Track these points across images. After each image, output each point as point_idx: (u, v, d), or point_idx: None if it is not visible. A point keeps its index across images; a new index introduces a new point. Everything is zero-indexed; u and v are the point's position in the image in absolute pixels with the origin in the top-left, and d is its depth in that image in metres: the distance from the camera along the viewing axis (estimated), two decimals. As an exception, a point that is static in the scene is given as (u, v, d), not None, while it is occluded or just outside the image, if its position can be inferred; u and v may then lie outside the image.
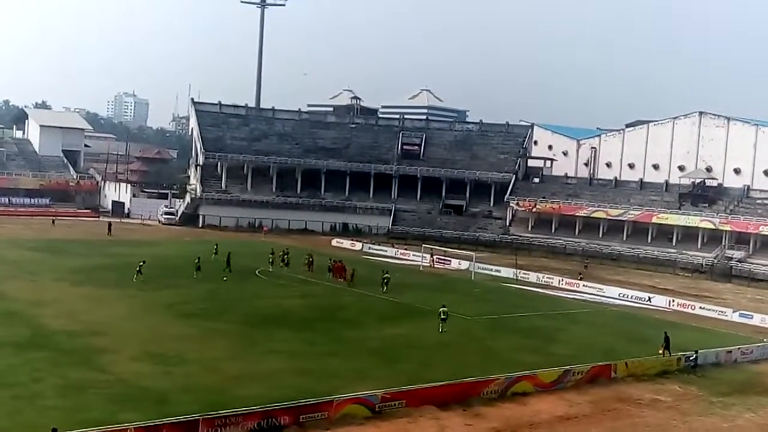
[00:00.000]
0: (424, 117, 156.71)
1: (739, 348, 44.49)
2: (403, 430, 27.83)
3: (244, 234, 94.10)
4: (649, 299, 63.13)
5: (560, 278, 69.93)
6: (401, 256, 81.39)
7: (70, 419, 24.74)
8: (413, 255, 79.40)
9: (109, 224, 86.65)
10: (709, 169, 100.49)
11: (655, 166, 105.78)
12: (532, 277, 70.89)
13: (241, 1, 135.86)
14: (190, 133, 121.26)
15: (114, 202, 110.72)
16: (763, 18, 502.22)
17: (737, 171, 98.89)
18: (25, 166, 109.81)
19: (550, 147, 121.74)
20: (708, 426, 31.38)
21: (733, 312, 58.62)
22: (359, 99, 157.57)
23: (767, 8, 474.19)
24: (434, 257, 77.12)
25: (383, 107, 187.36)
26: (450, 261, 77.10)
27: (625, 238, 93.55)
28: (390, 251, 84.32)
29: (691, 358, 40.00)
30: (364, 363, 36.11)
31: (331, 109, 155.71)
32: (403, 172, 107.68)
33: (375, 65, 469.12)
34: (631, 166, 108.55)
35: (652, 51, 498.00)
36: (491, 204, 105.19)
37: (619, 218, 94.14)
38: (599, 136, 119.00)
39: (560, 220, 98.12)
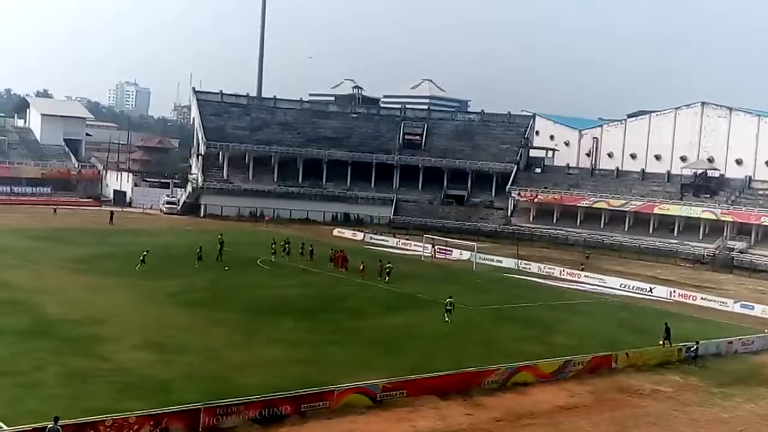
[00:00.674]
0: (426, 107, 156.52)
1: (739, 339, 44.56)
2: (404, 419, 27.89)
3: (246, 223, 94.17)
4: (651, 290, 63.15)
5: (562, 269, 69.95)
6: (403, 246, 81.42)
7: (72, 407, 24.82)
8: (415, 245, 79.43)
9: (111, 213, 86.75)
10: (711, 160, 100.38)
11: (657, 157, 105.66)
12: (534, 267, 70.92)
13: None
14: (191, 123, 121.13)
15: (116, 191, 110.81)
16: (765, 8, 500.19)
17: (739, 162, 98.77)
18: (27, 155, 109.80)
19: (551, 137, 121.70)
20: (708, 416, 31.45)
21: (734, 303, 58.65)
22: (361, 88, 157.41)
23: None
24: (436, 247, 77.15)
25: (385, 97, 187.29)
26: (451, 251, 77.14)
27: (626, 229, 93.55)
28: (391, 241, 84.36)
29: (691, 349, 40.05)
30: (366, 353, 36.18)
31: (332, 98, 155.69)
32: (404, 162, 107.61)
33: (377, 55, 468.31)
34: (633, 156, 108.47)
35: (655, 41, 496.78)
36: (493, 194, 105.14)
37: (621, 209, 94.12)
38: (601, 126, 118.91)
39: (562, 211, 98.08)
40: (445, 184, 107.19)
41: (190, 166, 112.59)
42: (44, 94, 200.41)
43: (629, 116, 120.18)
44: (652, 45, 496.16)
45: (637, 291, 63.10)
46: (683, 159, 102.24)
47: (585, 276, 67.49)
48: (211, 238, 67.34)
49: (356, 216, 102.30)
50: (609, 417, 30.26)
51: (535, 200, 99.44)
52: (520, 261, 72.27)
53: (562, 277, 67.93)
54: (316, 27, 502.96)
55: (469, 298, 51.20)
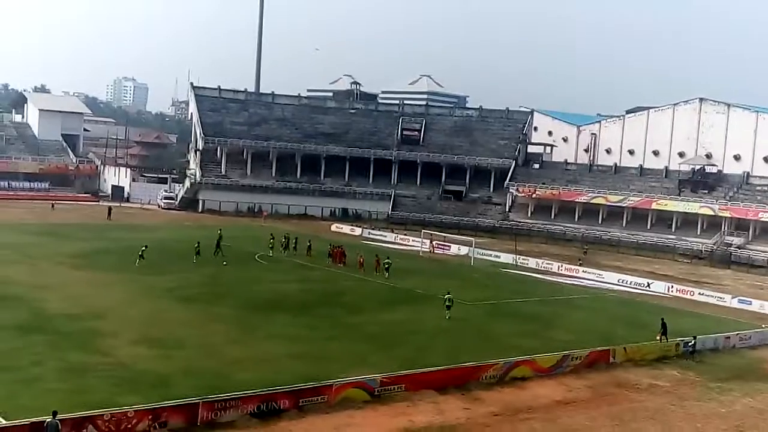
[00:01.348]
0: (424, 102, 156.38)
1: (737, 334, 44.64)
2: (402, 413, 27.93)
3: (244, 219, 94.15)
4: (649, 285, 63.24)
5: (560, 264, 70.04)
6: (401, 242, 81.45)
7: (71, 402, 24.84)
8: (413, 240, 79.48)
9: (109, 208, 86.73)
10: (709, 156, 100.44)
11: (655, 153, 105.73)
12: (532, 262, 71.00)
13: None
14: (189, 118, 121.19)
15: (113, 187, 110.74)
16: (764, 5, 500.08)
17: (737, 157, 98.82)
18: (25, 150, 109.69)
19: (550, 133, 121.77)
20: (705, 411, 31.50)
21: (732, 298, 58.76)
22: (359, 84, 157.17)
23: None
24: (434, 243, 77.19)
25: (383, 92, 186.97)
26: (449, 246, 77.18)
27: (624, 224, 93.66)
28: (390, 236, 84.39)
29: (689, 344, 40.10)
30: (364, 347, 36.20)
31: (331, 94, 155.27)
32: (402, 157, 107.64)
33: (375, 50, 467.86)
34: (631, 152, 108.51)
35: (653, 37, 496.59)
36: (491, 190, 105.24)
37: (619, 204, 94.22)
38: (599, 122, 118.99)
39: (560, 206, 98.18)
40: (443, 179, 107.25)
41: (188, 162, 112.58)
42: (42, 90, 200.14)
43: (627, 112, 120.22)
44: (650, 41, 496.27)
45: (635, 286, 63.18)
46: (681, 155, 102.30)
47: (583, 271, 67.57)
48: (209, 233, 67.16)
49: (354, 211, 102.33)
50: (606, 411, 30.32)
51: (534, 196, 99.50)
52: (518, 256, 72.33)
53: (560, 272, 67.99)
54: (314, 22, 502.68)
55: (467, 293, 51.24)
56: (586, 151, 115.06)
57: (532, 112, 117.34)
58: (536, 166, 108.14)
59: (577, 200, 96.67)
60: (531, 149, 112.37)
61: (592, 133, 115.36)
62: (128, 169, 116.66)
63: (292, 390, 27.54)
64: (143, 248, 54.33)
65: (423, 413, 28.15)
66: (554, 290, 58.89)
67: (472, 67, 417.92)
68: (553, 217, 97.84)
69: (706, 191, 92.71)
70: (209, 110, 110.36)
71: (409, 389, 29.92)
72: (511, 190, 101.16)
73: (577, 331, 43.44)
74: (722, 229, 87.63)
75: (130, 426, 23.78)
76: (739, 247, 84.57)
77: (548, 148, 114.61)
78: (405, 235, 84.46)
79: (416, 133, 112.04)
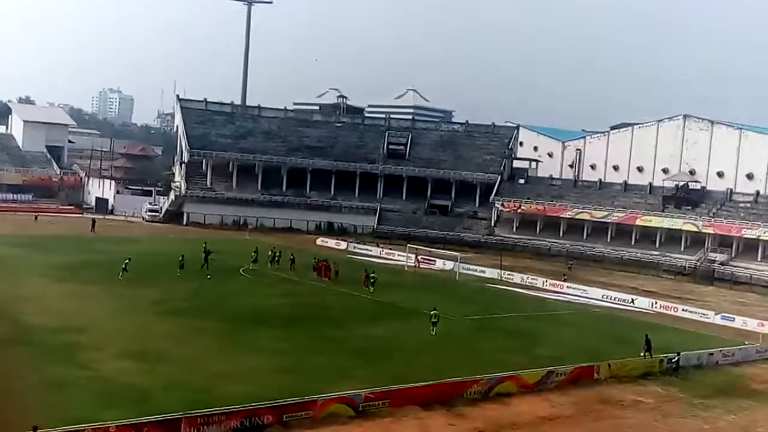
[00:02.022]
0: (410, 117, 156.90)
1: (720, 350, 44.86)
2: (386, 429, 27.86)
3: (229, 232, 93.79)
4: (633, 301, 63.46)
5: (544, 279, 70.15)
6: (386, 256, 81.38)
7: (51, 417, 24.59)
8: (398, 255, 79.40)
9: (93, 221, 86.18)
10: (692, 172, 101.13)
11: (639, 169, 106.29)
12: (517, 277, 71.06)
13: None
14: (175, 130, 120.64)
15: (98, 199, 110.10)
16: (746, 22, 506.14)
17: (720, 174, 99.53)
18: (8, 161, 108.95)
19: (535, 148, 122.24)
20: (689, 428, 31.60)
21: (715, 314, 59.00)
22: (345, 98, 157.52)
23: (750, 12, 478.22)
24: (419, 257, 77.15)
25: (369, 107, 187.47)
26: (435, 261, 77.14)
27: (609, 240, 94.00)
28: (375, 251, 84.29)
29: (673, 360, 40.26)
30: (348, 362, 36.10)
31: (317, 107, 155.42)
32: (388, 171, 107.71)
33: (361, 65, 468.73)
34: (616, 168, 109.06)
35: (638, 53, 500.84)
36: (476, 204, 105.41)
37: (603, 220, 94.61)
38: (584, 138, 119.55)
39: (545, 222, 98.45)
40: (428, 194, 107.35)
41: (173, 174, 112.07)
42: (26, 101, 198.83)
43: (612, 128, 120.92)
44: (635, 58, 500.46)
45: (619, 302, 63.34)
46: (665, 171, 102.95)
47: (567, 287, 67.69)
48: (194, 246, 66.92)
49: (340, 225, 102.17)
50: (591, 428, 30.36)
51: (519, 211, 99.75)
52: (503, 271, 72.40)
53: (545, 287, 68.11)
54: (301, 36, 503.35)
55: (452, 308, 51.14)
56: (571, 166, 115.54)
57: (517, 128, 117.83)
58: (521, 181, 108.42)
59: (562, 215, 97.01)
60: (516, 164, 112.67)
61: (577, 149, 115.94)
62: (113, 181, 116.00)
63: (276, 405, 27.41)
64: (127, 261, 53.97)
65: (407, 429, 28.10)
66: (539, 306, 58.98)
67: (458, 82, 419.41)
68: (538, 232, 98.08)
69: (690, 208, 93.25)
70: (195, 123, 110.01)
71: (393, 405, 29.84)
72: (496, 205, 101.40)
73: (561, 346, 43.49)
74: (705, 246, 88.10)
75: (111, 441, 23.57)
76: (722, 264, 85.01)
77: (533, 164, 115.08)
78: (390, 249, 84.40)
79: (402, 147, 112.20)
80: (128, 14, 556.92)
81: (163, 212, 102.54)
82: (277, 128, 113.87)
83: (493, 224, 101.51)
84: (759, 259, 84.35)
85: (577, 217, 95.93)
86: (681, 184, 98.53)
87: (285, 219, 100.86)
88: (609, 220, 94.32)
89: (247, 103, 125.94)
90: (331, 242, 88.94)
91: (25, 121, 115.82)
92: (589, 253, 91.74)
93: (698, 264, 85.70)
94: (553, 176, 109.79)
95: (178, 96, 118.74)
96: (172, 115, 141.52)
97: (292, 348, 37.90)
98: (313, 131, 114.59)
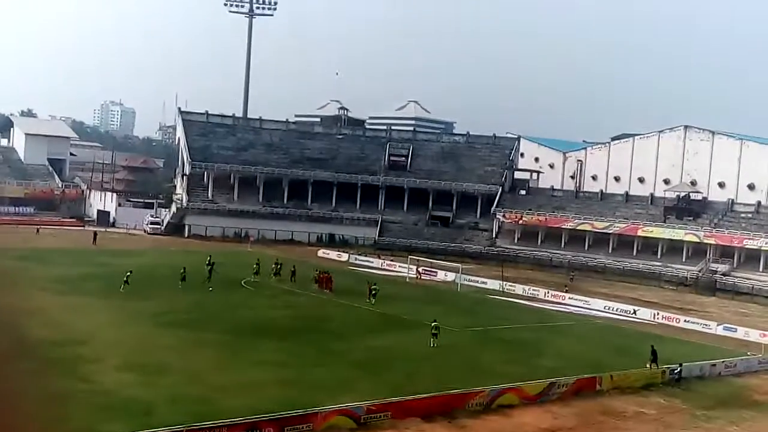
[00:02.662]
0: (412, 128, 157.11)
1: (722, 361, 44.74)
2: (388, 441, 27.79)
3: (230, 244, 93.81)
4: (634, 312, 63.37)
5: (546, 290, 70.08)
6: (387, 268, 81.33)
7: (53, 430, 24.56)
8: (399, 266, 79.37)
9: (95, 233, 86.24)
10: (693, 183, 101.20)
11: (641, 179, 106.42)
12: (518, 289, 71.01)
13: (230, 11, 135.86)
14: (176, 143, 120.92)
15: (99, 212, 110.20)
16: (748, 33, 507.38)
17: (722, 185, 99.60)
18: (10, 174, 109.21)
19: (536, 159, 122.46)
20: (692, 439, 31.51)
21: (717, 325, 58.88)
22: (347, 110, 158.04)
23: (752, 23, 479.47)
24: (420, 269, 77.12)
25: (370, 118, 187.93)
26: (436, 272, 77.10)
27: (610, 251, 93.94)
28: (376, 262, 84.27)
29: (675, 371, 40.18)
30: (350, 374, 36.05)
31: (318, 119, 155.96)
32: (390, 183, 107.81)
33: (363, 76, 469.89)
34: (617, 179, 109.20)
35: (639, 64, 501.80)
36: (478, 216, 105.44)
37: (605, 231, 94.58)
38: (585, 149, 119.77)
39: (546, 233, 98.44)
40: (430, 205, 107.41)
41: (175, 186, 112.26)
42: (28, 114, 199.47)
43: (613, 139, 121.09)
44: (636, 68, 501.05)
45: (621, 313, 63.25)
46: (666, 182, 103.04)
47: (569, 298, 67.63)
48: (195, 258, 66.99)
49: (341, 237, 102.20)
50: (593, 439, 30.26)
51: (520, 222, 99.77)
52: (504, 283, 72.33)
53: (547, 298, 68.04)
54: (302, 49, 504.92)
55: (453, 319, 51.09)
56: (573, 177, 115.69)
57: (518, 139, 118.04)
58: (523, 192, 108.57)
59: (563, 226, 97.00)
60: (518, 175, 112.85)
61: (578, 160, 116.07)
62: (114, 194, 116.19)
63: (278, 417, 27.36)
64: (128, 273, 53.97)
65: (409, 441, 28.02)
66: (541, 317, 58.87)
67: (459, 94, 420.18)
68: (539, 243, 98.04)
69: (692, 218, 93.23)
70: (197, 135, 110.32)
71: (395, 417, 29.78)
72: (497, 216, 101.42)
73: (563, 358, 43.40)
74: (707, 256, 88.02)
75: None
76: (724, 274, 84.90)
77: (535, 175, 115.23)
78: (392, 260, 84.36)
79: (403, 158, 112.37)
80: (130, 27, 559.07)
81: (164, 225, 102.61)
82: (279, 140, 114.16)
83: (494, 235, 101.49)
84: (761, 270, 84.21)
85: (579, 228, 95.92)
86: (682, 194, 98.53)
87: (286, 231, 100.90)
88: (610, 231, 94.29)
89: (249, 116, 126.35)
90: (333, 254, 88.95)
91: (26, 134, 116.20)
92: (590, 264, 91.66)
93: (700, 275, 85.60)
94: (555, 187, 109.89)
95: (179, 108, 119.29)
96: (174, 128, 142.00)
97: (294, 360, 37.85)
98: (314, 143, 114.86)
